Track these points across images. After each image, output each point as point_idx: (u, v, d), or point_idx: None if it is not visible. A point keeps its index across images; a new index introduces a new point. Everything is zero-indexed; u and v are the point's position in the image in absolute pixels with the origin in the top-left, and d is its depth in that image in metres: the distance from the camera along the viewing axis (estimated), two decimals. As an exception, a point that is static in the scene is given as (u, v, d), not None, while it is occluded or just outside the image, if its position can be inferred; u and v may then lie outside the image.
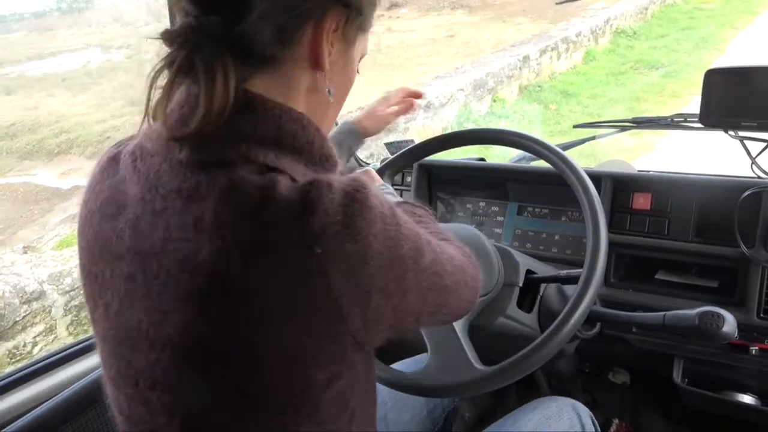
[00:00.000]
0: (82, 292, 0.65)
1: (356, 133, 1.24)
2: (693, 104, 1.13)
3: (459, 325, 0.93)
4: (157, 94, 0.55)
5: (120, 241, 0.57)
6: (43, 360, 1.12)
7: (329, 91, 0.62)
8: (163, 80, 0.55)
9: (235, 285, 0.51)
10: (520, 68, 6.48)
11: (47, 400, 0.93)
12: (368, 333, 0.54)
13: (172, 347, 0.53)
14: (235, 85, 0.54)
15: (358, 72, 0.67)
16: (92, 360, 1.14)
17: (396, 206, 0.58)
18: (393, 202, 0.58)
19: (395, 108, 1.25)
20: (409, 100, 1.26)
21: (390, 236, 0.54)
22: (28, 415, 0.90)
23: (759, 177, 1.11)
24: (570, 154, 1.01)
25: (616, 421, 1.46)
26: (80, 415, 0.94)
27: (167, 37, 0.54)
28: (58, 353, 1.14)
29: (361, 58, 0.67)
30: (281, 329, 0.51)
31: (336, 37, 0.60)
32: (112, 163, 0.62)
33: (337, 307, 0.51)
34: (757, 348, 1.05)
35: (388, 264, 0.54)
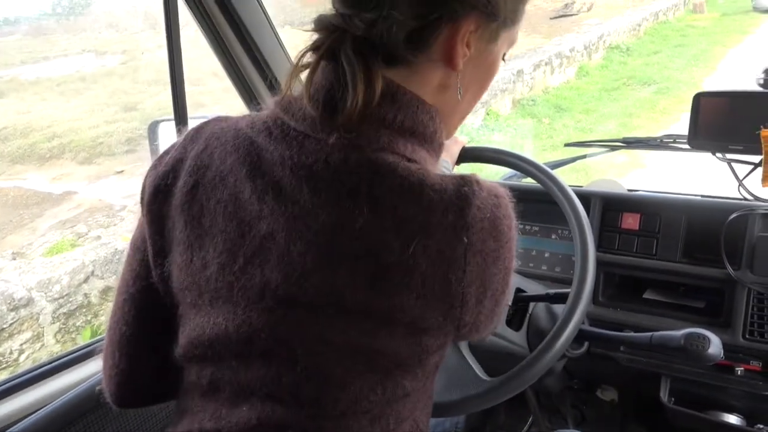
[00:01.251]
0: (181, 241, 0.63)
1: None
2: (684, 121, 1.16)
3: (462, 344, 0.94)
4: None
5: (261, 202, 0.58)
6: (43, 366, 1.11)
7: (459, 90, 0.65)
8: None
9: (386, 257, 0.55)
10: (513, 82, 6.53)
11: (45, 406, 0.93)
12: (469, 323, 0.59)
13: (307, 306, 0.56)
14: (379, 81, 0.58)
15: (504, 60, 0.70)
16: (91, 366, 1.14)
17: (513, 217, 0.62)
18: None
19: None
20: None
21: (512, 247, 0.60)
22: (26, 420, 0.90)
23: (745, 199, 1.13)
24: (560, 172, 1.02)
25: (604, 438, 1.47)
26: (77, 421, 0.94)
27: (318, 22, 0.59)
28: (57, 359, 1.13)
29: (510, 47, 0.69)
30: (417, 300, 0.55)
31: (474, 37, 0.62)
32: (227, 133, 0.64)
33: (462, 294, 0.56)
34: (742, 369, 1.06)
35: (504, 272, 0.60)
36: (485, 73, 0.67)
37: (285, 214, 0.57)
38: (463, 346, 0.93)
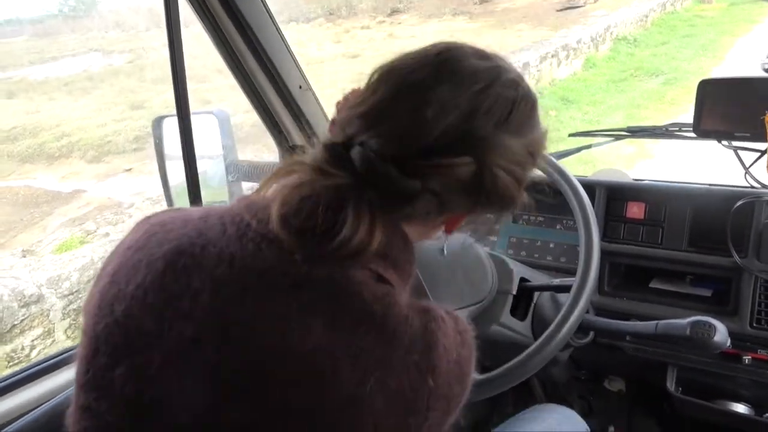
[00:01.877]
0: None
1: None
2: (692, 112, 1.14)
3: None
4: None
5: (194, 301, 0.51)
6: (41, 363, 1.12)
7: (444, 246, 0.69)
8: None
9: (336, 389, 0.48)
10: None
11: (43, 404, 0.94)
12: None
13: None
14: (380, 231, 0.54)
15: None
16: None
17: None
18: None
19: None
20: None
21: (470, 383, 0.57)
22: (24, 418, 0.91)
23: (752, 186, 1.12)
24: (566, 162, 1.02)
25: (612, 428, 1.46)
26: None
27: (331, 153, 0.54)
28: (55, 357, 1.14)
29: None
30: None
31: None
32: (173, 222, 0.58)
33: None
34: (749, 357, 1.05)
35: (462, 402, 0.56)
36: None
37: (220, 320, 0.50)
38: None
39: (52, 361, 1.12)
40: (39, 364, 1.12)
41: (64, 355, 1.14)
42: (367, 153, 0.53)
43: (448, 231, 0.65)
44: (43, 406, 0.94)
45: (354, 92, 0.61)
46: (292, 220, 0.52)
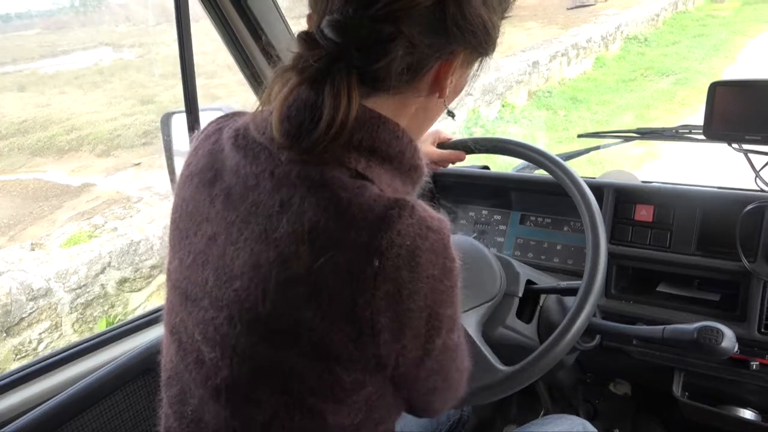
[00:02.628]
0: (167, 238, 0.70)
1: None
2: (703, 113, 1.13)
3: (473, 330, 0.93)
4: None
5: (212, 205, 0.62)
6: (46, 359, 1.13)
7: (448, 111, 0.68)
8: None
9: (297, 268, 0.54)
10: (529, 74, 6.47)
11: (48, 399, 0.95)
12: (390, 364, 0.57)
13: (229, 309, 0.58)
14: (355, 109, 0.57)
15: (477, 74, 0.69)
16: (94, 360, 1.15)
17: (457, 269, 0.59)
18: (457, 266, 0.59)
19: (444, 152, 1.15)
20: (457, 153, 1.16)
21: (441, 290, 0.57)
22: (29, 414, 0.91)
23: (762, 190, 1.11)
24: (574, 163, 1.01)
25: (617, 431, 1.46)
26: (80, 415, 0.95)
27: (308, 41, 0.57)
28: (60, 353, 1.15)
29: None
30: (323, 320, 0.54)
31: (460, 67, 0.63)
32: (216, 134, 0.67)
33: (371, 322, 0.54)
34: (757, 363, 1.04)
35: (428, 313, 0.56)
36: (456, 93, 0.69)
37: (226, 219, 0.60)
38: (476, 336, 0.93)
39: (60, 356, 1.13)
40: (46, 359, 1.12)
41: (76, 349, 1.15)
42: (333, 17, 0.56)
43: (441, 93, 0.63)
44: (50, 401, 0.94)
45: None
46: (285, 124, 0.58)
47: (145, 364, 1.03)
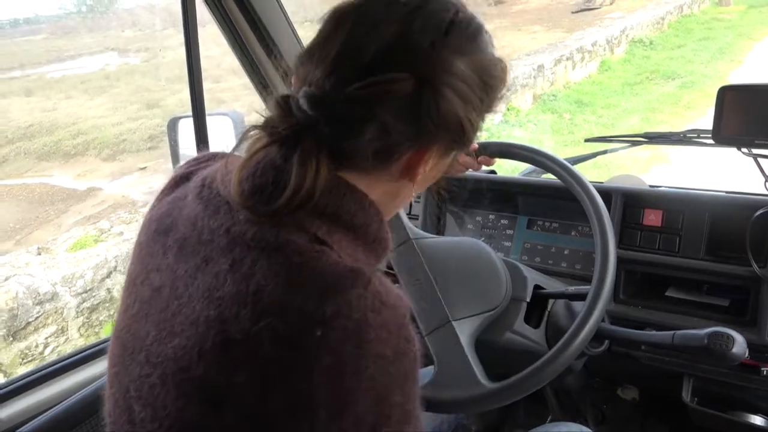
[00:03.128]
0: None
1: None
2: (709, 116, 1.13)
3: (465, 340, 0.93)
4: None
5: (164, 256, 0.59)
6: (51, 366, 1.13)
7: (415, 195, 0.67)
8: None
9: (235, 331, 0.51)
10: (534, 77, 6.46)
11: (53, 407, 0.95)
12: None
13: (163, 367, 0.54)
14: (323, 180, 0.55)
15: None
16: (99, 367, 1.15)
17: (416, 353, 0.54)
18: (416, 349, 0.55)
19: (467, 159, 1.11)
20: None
21: (391, 373, 0.51)
22: (34, 421, 0.91)
23: (772, 195, 1.10)
24: (581, 167, 1.01)
25: (625, 437, 1.45)
26: (85, 422, 0.95)
27: (280, 107, 0.56)
28: (65, 359, 1.15)
29: None
30: (255, 387, 0.50)
31: (436, 156, 0.61)
32: (183, 180, 0.66)
33: (307, 396, 0.49)
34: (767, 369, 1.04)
35: (375, 399, 0.50)
36: (429, 180, 0.67)
37: (175, 272, 0.57)
38: (467, 345, 0.92)
39: (68, 361, 1.13)
40: (54, 364, 1.12)
41: (94, 349, 1.15)
42: (310, 90, 0.55)
43: (413, 179, 0.61)
44: (58, 406, 0.94)
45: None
46: (245, 183, 0.56)
47: None
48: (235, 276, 0.53)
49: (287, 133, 0.55)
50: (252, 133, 0.58)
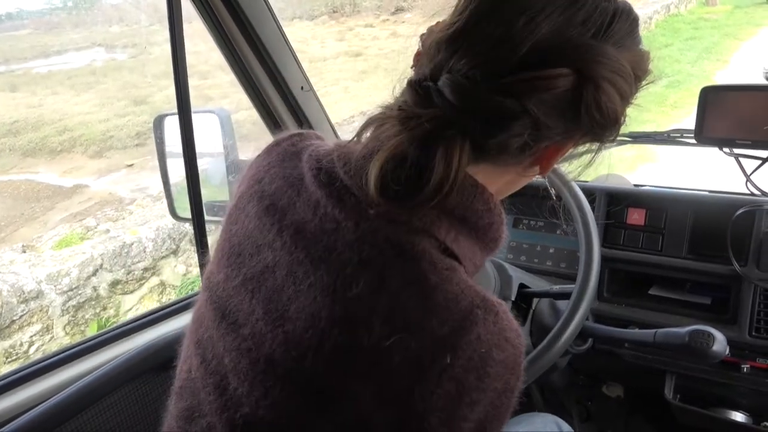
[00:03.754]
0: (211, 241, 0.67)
1: None
2: (695, 115, 1.14)
3: None
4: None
5: (278, 234, 0.57)
6: (42, 361, 1.12)
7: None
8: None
9: (364, 337, 0.50)
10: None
11: (38, 405, 0.94)
12: None
13: (272, 349, 0.54)
14: (462, 174, 0.53)
15: None
16: (90, 362, 1.15)
17: (519, 389, 0.55)
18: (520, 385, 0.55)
19: None
20: None
21: (498, 406, 0.53)
22: (25, 415, 0.91)
23: (753, 194, 1.12)
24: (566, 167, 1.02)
25: (609, 433, 1.46)
26: (76, 416, 0.95)
27: (418, 94, 0.53)
28: (56, 354, 1.14)
29: None
30: (371, 398, 0.50)
31: (572, 145, 0.59)
32: (293, 158, 0.63)
33: (421, 418, 0.50)
34: (748, 366, 1.05)
35: (478, 427, 0.52)
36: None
37: (292, 255, 0.55)
38: None
39: (55, 358, 1.12)
40: (42, 361, 1.12)
41: (69, 352, 1.14)
42: (456, 78, 0.52)
43: (544, 170, 0.59)
44: (44, 403, 0.94)
45: (439, 23, 0.58)
46: (384, 180, 0.53)
47: (143, 366, 1.02)
48: (366, 277, 0.52)
49: (431, 125, 0.52)
50: (383, 119, 0.55)
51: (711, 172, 2.26)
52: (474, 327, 0.51)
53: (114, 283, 3.07)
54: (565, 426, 1.07)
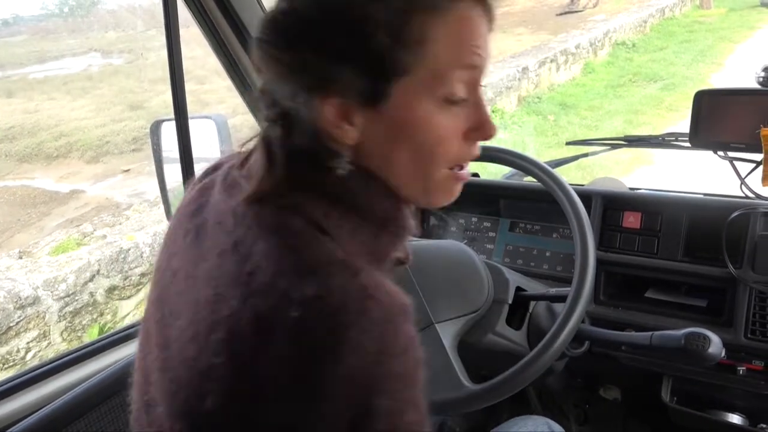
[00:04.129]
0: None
1: None
2: (690, 118, 1.15)
3: (448, 342, 0.94)
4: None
5: (183, 239, 0.60)
6: (41, 367, 1.12)
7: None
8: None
9: (223, 312, 0.50)
10: (519, 79, 6.51)
11: (40, 409, 0.94)
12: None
13: (169, 350, 0.55)
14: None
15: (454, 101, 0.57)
16: (91, 366, 1.15)
17: (410, 355, 0.51)
18: (412, 350, 0.52)
19: None
20: None
21: (373, 374, 0.48)
22: (30, 417, 0.91)
23: (747, 197, 1.12)
24: (563, 169, 1.02)
25: (607, 436, 1.46)
26: (76, 421, 0.95)
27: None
28: (57, 359, 1.14)
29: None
30: (232, 372, 0.49)
31: (351, 109, 0.55)
32: (213, 169, 0.67)
33: (274, 380, 0.48)
34: (744, 368, 1.05)
35: (353, 392, 0.48)
36: (402, 132, 0.57)
37: (188, 255, 0.58)
38: (450, 347, 0.93)
39: (53, 364, 1.13)
40: (40, 367, 1.12)
41: (87, 349, 1.15)
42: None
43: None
44: (39, 411, 0.94)
45: None
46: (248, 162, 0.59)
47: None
48: (234, 257, 0.53)
49: (273, 121, 0.57)
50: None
51: (706, 175, 2.27)
52: (324, 280, 0.49)
53: (111, 289, 3.07)
54: (557, 427, 1.07)
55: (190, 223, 0.60)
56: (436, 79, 0.55)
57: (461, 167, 0.61)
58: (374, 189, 0.58)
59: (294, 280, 0.49)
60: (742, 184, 1.12)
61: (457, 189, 0.62)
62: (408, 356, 0.51)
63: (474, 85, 0.58)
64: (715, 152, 1.12)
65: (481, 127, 0.59)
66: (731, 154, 1.12)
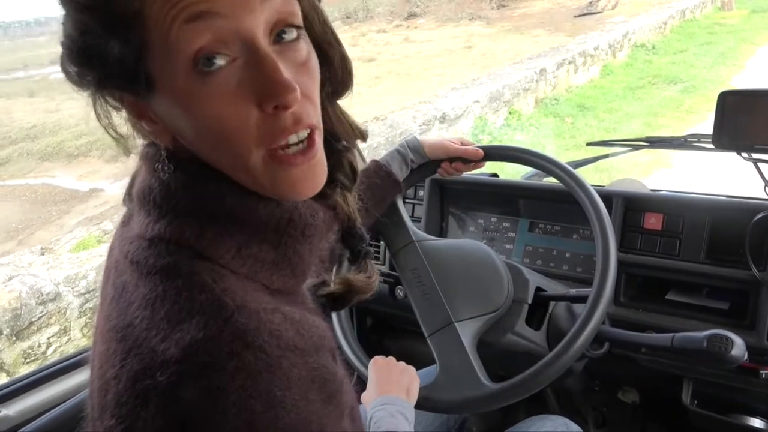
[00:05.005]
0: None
1: (419, 150, 1.09)
2: (710, 120, 1.14)
3: (467, 341, 0.94)
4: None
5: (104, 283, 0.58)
6: (55, 365, 1.13)
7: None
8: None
9: (109, 373, 0.46)
10: (536, 81, 6.48)
11: (57, 406, 0.95)
12: None
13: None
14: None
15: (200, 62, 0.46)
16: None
17: (298, 405, 0.43)
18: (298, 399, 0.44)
19: (464, 148, 1.10)
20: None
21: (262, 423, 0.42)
22: (39, 419, 0.92)
23: (772, 200, 1.11)
24: (582, 171, 1.02)
25: (625, 439, 1.46)
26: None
27: None
28: (68, 359, 1.15)
29: (199, 53, 0.45)
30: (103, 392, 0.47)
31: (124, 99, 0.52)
32: None
33: None
34: (767, 372, 1.04)
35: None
36: (182, 119, 0.48)
37: (101, 296, 0.56)
38: (469, 346, 0.94)
39: (70, 361, 1.14)
40: (57, 364, 1.13)
41: (83, 355, 1.16)
42: None
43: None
44: (62, 405, 0.95)
45: None
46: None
47: None
48: (120, 305, 0.48)
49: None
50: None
51: (726, 178, 2.25)
52: (190, 334, 0.43)
53: (130, 286, 3.10)
54: (575, 427, 1.07)
55: (109, 260, 0.56)
56: (169, 45, 0.45)
57: (286, 146, 0.48)
58: (224, 189, 0.50)
59: (165, 334, 0.43)
60: (766, 186, 1.10)
61: (297, 174, 0.49)
62: (310, 398, 0.44)
63: (229, 41, 0.45)
64: (739, 154, 1.11)
65: (268, 90, 0.46)
66: (756, 155, 1.11)
